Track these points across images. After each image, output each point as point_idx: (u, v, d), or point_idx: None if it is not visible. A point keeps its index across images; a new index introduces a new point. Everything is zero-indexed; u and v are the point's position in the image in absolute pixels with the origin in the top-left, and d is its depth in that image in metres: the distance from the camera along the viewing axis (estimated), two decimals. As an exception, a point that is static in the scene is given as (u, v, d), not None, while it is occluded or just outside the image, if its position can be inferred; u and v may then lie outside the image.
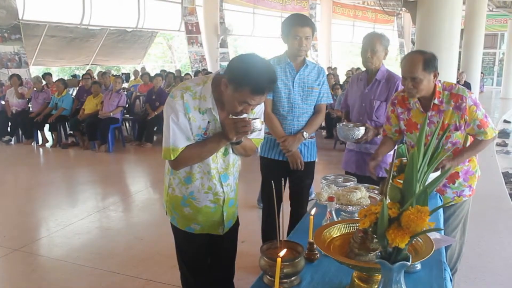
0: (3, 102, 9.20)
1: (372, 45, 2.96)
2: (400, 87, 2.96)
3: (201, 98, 1.88)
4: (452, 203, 2.64)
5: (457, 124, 2.46)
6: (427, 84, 2.40)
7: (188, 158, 1.92)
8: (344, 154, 3.31)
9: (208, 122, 1.92)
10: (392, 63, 24.78)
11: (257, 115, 2.04)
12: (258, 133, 2.03)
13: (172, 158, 1.90)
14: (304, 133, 2.92)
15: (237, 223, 2.28)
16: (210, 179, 2.02)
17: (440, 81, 2.49)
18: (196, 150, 1.91)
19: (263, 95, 1.78)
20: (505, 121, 11.14)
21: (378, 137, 2.98)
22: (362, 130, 2.90)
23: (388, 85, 3.00)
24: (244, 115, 1.85)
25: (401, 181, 1.22)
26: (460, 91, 2.45)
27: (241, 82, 1.73)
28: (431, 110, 2.50)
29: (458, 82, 10.87)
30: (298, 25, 2.79)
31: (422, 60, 2.36)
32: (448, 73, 5.79)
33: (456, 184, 2.61)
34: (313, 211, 1.74)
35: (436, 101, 2.46)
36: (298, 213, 3.01)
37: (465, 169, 2.62)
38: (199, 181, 2.01)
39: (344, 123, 3.02)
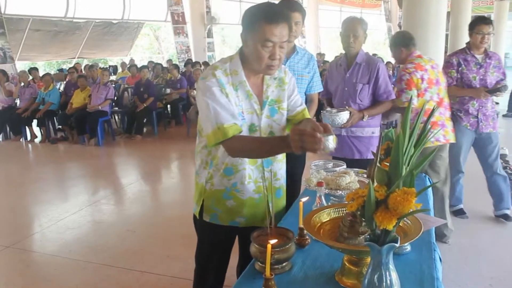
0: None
1: (354, 30, 2.98)
2: (382, 69, 3.05)
3: (232, 74, 1.78)
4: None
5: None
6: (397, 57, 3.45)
7: (246, 147, 1.72)
8: None
9: (241, 100, 1.81)
10: (380, 47, 24.79)
11: (289, 86, 1.95)
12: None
13: (222, 139, 1.69)
14: None
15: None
16: (252, 164, 1.87)
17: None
18: (256, 143, 1.74)
19: (279, 23, 1.65)
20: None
21: (363, 119, 3.01)
22: (346, 114, 2.92)
23: (369, 67, 3.04)
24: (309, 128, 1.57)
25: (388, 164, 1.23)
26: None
27: (254, 21, 1.67)
28: None
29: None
30: (288, 10, 2.77)
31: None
32: (435, 56, 5.77)
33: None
34: (304, 199, 1.75)
35: None
36: (290, 201, 3.02)
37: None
38: (241, 172, 1.87)
39: (328, 109, 3.04)
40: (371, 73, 3.02)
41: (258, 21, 1.65)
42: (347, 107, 3.02)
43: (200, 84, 1.77)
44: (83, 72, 11.61)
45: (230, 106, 1.73)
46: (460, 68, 3.75)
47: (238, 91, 1.79)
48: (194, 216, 2.04)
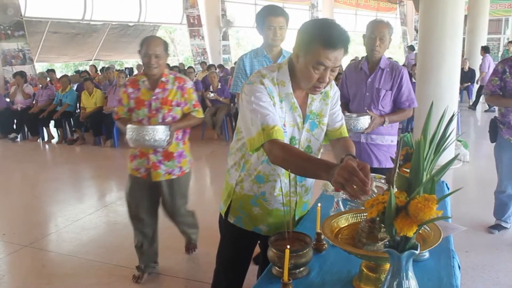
0: (8, 100, 9.22)
1: (382, 34, 2.88)
2: (406, 76, 2.95)
3: (279, 84, 1.74)
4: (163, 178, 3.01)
5: None
6: None
7: (291, 159, 1.58)
8: None
9: (285, 112, 1.77)
10: (396, 51, 24.59)
11: (332, 100, 1.91)
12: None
13: (265, 140, 1.61)
14: None
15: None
16: (286, 176, 1.83)
17: None
18: (302, 160, 1.56)
19: (336, 49, 1.57)
20: None
21: (384, 125, 2.94)
22: (368, 119, 2.84)
23: (392, 73, 2.96)
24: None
25: (408, 170, 1.22)
26: None
27: (310, 40, 1.59)
28: None
29: (462, 69, 10.78)
30: (272, 15, 2.81)
31: None
32: (452, 59, 5.74)
33: (169, 162, 2.99)
34: (320, 203, 1.74)
35: None
36: None
37: (179, 151, 3.01)
38: (272, 183, 1.85)
39: (347, 114, 2.94)
40: (395, 79, 2.95)
41: (314, 43, 1.57)
42: (368, 111, 2.94)
43: (246, 89, 1.73)
44: (99, 74, 11.74)
45: (275, 111, 1.70)
46: (504, 76, 3.41)
47: (283, 102, 1.75)
48: (220, 215, 2.04)
